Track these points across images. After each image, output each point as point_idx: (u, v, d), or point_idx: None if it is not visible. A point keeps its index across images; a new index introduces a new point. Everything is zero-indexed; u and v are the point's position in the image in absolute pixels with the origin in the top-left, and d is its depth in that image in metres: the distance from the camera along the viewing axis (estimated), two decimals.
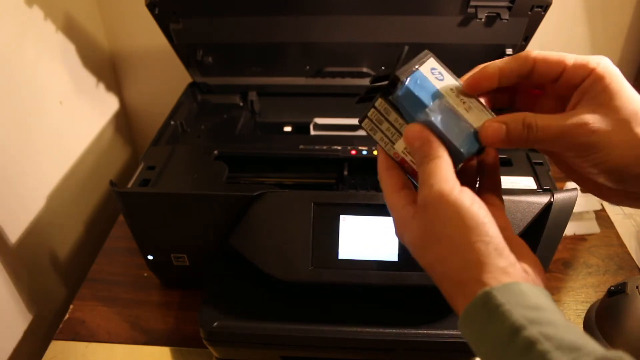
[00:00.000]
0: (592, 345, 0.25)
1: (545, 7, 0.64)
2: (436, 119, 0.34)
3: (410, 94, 0.34)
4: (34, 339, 0.70)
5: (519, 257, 0.31)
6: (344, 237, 0.53)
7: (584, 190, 0.37)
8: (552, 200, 0.52)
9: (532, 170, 0.59)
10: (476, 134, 0.34)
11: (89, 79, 0.88)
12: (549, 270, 0.68)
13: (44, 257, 0.74)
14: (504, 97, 0.37)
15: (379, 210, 0.53)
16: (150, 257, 0.62)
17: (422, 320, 0.52)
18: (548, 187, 0.56)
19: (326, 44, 0.73)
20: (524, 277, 0.30)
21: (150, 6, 0.65)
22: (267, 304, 0.55)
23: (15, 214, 0.67)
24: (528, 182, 0.57)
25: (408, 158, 0.36)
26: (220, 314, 0.53)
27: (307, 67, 0.77)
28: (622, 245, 0.73)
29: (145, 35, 0.92)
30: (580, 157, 0.32)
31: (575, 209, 0.55)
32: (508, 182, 0.57)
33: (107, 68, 0.95)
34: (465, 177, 0.36)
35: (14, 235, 0.67)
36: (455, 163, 0.33)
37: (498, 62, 0.35)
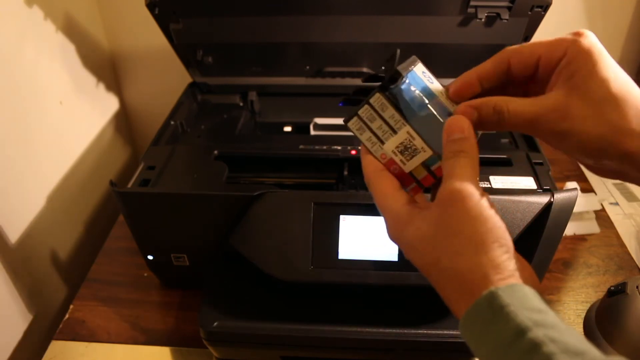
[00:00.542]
0: (593, 351, 0.25)
1: (545, 7, 0.64)
2: (437, 114, 0.34)
3: (411, 89, 0.35)
4: (34, 339, 0.70)
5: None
6: (344, 237, 0.53)
7: (592, 171, 0.36)
8: (552, 200, 0.52)
9: (532, 170, 0.59)
10: None
11: (89, 79, 0.88)
12: (549, 270, 0.68)
13: (44, 257, 0.74)
14: (498, 93, 0.37)
15: None
16: (150, 257, 0.62)
17: (422, 320, 0.52)
18: (548, 187, 0.56)
19: (326, 44, 0.73)
20: (526, 281, 0.30)
21: (150, 6, 0.65)
22: (267, 304, 0.55)
23: (15, 214, 0.67)
24: (528, 182, 0.57)
25: (397, 158, 0.36)
26: (220, 314, 0.53)
27: (307, 67, 0.77)
28: (622, 245, 0.73)
29: (145, 35, 0.92)
30: (555, 141, 0.32)
31: (575, 209, 0.55)
32: (508, 182, 0.57)
33: (107, 68, 0.95)
34: None
35: (14, 235, 0.67)
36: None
37: (477, 68, 0.35)
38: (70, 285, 0.79)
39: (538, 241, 0.53)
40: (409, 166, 0.36)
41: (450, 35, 0.69)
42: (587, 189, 0.84)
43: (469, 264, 0.29)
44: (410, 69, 0.35)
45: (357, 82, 0.77)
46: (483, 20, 0.66)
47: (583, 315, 0.63)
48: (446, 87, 0.36)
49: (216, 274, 0.59)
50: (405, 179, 0.36)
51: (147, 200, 0.56)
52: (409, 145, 0.35)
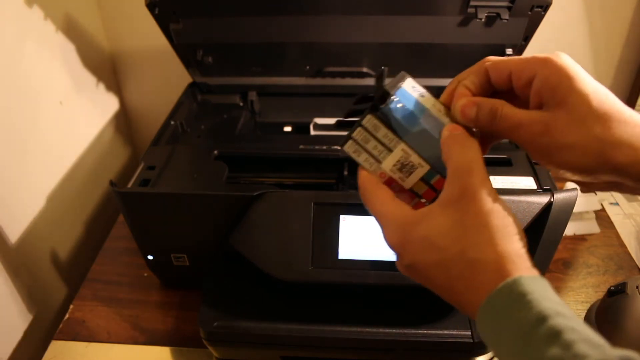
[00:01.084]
0: (608, 345, 0.26)
1: (545, 7, 0.64)
2: (430, 128, 0.34)
3: (401, 106, 0.35)
4: (34, 339, 0.70)
5: None
6: (344, 237, 0.53)
7: (584, 191, 0.37)
8: (552, 200, 0.52)
9: (532, 170, 0.59)
10: None
11: (89, 79, 0.88)
12: (549, 270, 0.68)
13: (44, 257, 0.74)
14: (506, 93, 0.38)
15: None
16: (150, 257, 0.62)
17: (422, 320, 0.52)
18: (548, 187, 0.56)
19: (326, 44, 0.73)
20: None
21: (150, 6, 0.65)
22: (267, 304, 0.55)
23: (15, 214, 0.67)
24: (528, 182, 0.57)
25: (397, 176, 0.36)
26: (220, 314, 0.53)
27: (307, 67, 0.77)
28: (622, 245, 0.73)
29: (145, 35, 0.92)
30: (542, 158, 0.33)
31: (575, 209, 0.55)
32: (508, 182, 0.57)
33: (107, 68, 0.95)
34: None
35: (14, 235, 0.67)
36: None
37: (464, 82, 0.35)
38: (70, 285, 0.79)
39: (538, 241, 0.53)
40: (409, 182, 0.36)
41: (450, 35, 0.69)
42: None
43: (498, 253, 0.30)
44: (399, 85, 0.35)
45: (357, 82, 0.77)
46: (483, 20, 0.66)
47: (583, 315, 0.63)
48: (439, 100, 0.36)
49: (216, 274, 0.59)
50: (406, 196, 0.36)
51: (147, 200, 0.56)
52: (405, 163, 0.35)
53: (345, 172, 0.62)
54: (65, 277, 0.78)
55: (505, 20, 0.65)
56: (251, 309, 0.54)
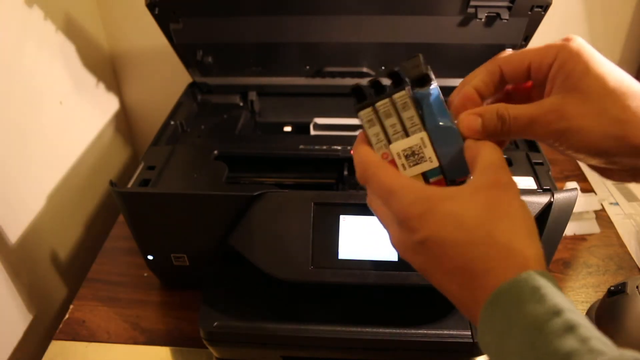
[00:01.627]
0: (613, 345, 0.26)
1: (545, 7, 0.64)
2: (456, 128, 0.34)
3: (437, 96, 0.34)
4: (34, 339, 0.70)
5: None
6: (344, 237, 0.53)
7: (605, 176, 0.36)
8: (552, 200, 0.52)
9: (532, 170, 0.59)
10: None
11: (89, 79, 0.88)
12: (549, 270, 0.68)
13: (44, 257, 0.74)
14: (501, 97, 0.37)
15: None
16: (150, 257, 0.62)
17: (422, 320, 0.52)
18: (548, 187, 0.56)
19: (326, 44, 0.73)
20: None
21: (150, 6, 0.65)
22: (267, 304, 0.55)
23: (15, 214, 0.67)
24: (528, 182, 0.57)
25: (400, 162, 0.35)
26: (220, 314, 0.53)
27: (307, 67, 0.77)
28: (622, 245, 0.73)
29: (145, 35, 0.92)
30: (557, 143, 0.32)
31: (575, 209, 0.55)
32: None
33: (107, 68, 0.95)
34: None
35: (14, 235, 0.67)
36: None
37: (472, 81, 0.35)
38: (70, 285, 0.79)
39: None
40: (409, 172, 0.35)
41: (450, 35, 0.69)
42: (587, 189, 0.84)
43: (525, 245, 0.30)
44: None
45: (357, 82, 0.77)
46: (483, 20, 0.66)
47: (583, 315, 0.63)
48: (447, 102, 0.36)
49: (216, 274, 0.59)
50: None
51: (147, 200, 0.56)
52: (417, 152, 0.34)
53: (345, 172, 0.62)
54: (65, 277, 0.78)
55: (505, 20, 0.65)
56: (251, 309, 0.54)
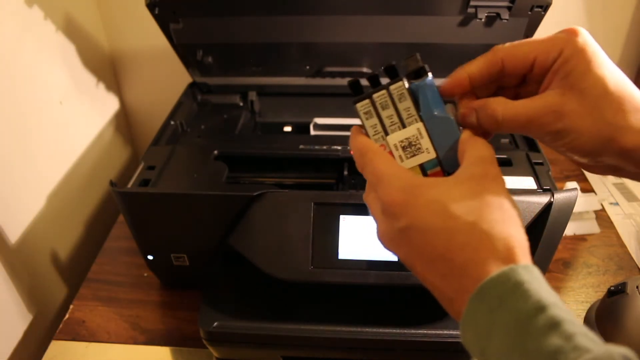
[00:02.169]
0: (601, 341, 0.25)
1: (545, 7, 0.64)
2: (453, 119, 0.34)
3: (433, 87, 0.34)
4: (34, 339, 0.70)
5: None
6: (344, 237, 0.53)
7: (585, 169, 0.36)
8: (552, 200, 0.52)
9: (532, 170, 0.59)
10: None
11: (89, 79, 0.88)
12: (549, 270, 0.68)
13: (44, 257, 0.74)
14: (491, 89, 0.37)
15: None
16: (150, 257, 0.62)
17: (422, 320, 0.52)
18: (548, 187, 0.56)
19: (326, 44, 0.73)
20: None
21: (151, 6, 0.65)
22: (267, 304, 0.55)
23: (15, 214, 0.67)
24: (528, 182, 0.57)
25: (397, 153, 0.35)
26: (220, 314, 0.53)
27: (307, 67, 0.77)
28: (622, 245, 0.73)
29: (145, 35, 0.92)
30: (552, 140, 0.33)
31: (575, 209, 0.55)
32: (508, 182, 0.57)
33: (107, 68, 0.95)
34: None
35: (14, 235, 0.67)
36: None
37: (468, 67, 0.35)
38: (70, 285, 0.79)
39: (538, 241, 0.53)
40: (406, 164, 0.35)
41: (450, 35, 0.69)
42: (587, 189, 0.84)
43: (509, 235, 0.29)
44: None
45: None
46: (483, 20, 0.66)
47: (583, 315, 0.63)
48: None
49: (216, 274, 0.59)
50: None
51: (147, 200, 0.56)
52: (414, 143, 0.35)
53: (345, 172, 0.62)
54: (65, 277, 0.78)
55: (505, 21, 0.65)
56: (251, 309, 0.54)
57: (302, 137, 0.72)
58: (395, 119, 0.35)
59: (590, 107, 0.31)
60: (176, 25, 0.69)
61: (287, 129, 0.78)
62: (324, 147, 0.64)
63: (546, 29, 0.70)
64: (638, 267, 0.70)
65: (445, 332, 0.51)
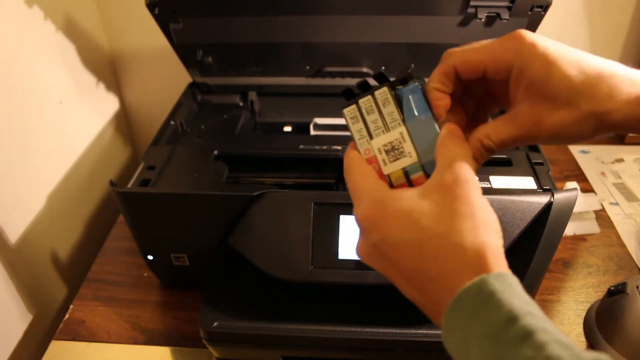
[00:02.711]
0: (577, 347, 0.25)
1: (545, 7, 0.64)
2: (435, 123, 0.34)
3: (417, 93, 0.35)
4: (34, 339, 0.70)
5: None
6: (344, 237, 0.53)
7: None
8: (552, 200, 0.52)
9: (532, 170, 0.59)
10: None
11: (89, 79, 0.88)
12: (549, 270, 0.68)
13: (44, 257, 0.74)
14: (479, 88, 0.37)
15: None
16: (150, 257, 0.62)
17: (422, 320, 0.52)
18: (548, 187, 0.56)
19: (326, 44, 0.73)
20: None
21: (151, 6, 0.65)
22: (267, 304, 0.55)
23: (15, 214, 0.67)
24: (528, 182, 0.57)
25: (381, 157, 0.35)
26: (220, 314, 0.53)
27: (307, 67, 0.77)
28: (622, 245, 0.73)
29: (145, 35, 0.92)
30: (547, 143, 0.35)
31: (575, 209, 0.55)
32: (508, 182, 0.57)
33: (107, 68, 0.95)
34: None
35: (14, 235, 0.67)
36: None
37: (434, 85, 0.34)
38: (70, 285, 0.79)
39: (538, 241, 0.53)
40: (389, 168, 0.35)
41: (450, 35, 0.69)
42: (587, 189, 0.84)
43: (480, 244, 0.29)
44: (419, 81, 0.36)
45: (351, 84, 0.77)
46: (483, 20, 0.66)
47: (583, 315, 0.63)
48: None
49: (216, 274, 0.59)
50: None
51: (147, 200, 0.56)
52: (397, 147, 0.35)
53: None
54: (65, 277, 0.78)
55: (505, 21, 0.65)
56: (251, 309, 0.54)
57: (302, 137, 0.72)
58: (380, 123, 0.35)
59: (566, 107, 0.31)
60: (176, 25, 0.69)
61: (287, 129, 0.78)
62: (324, 147, 0.64)
63: (546, 29, 0.70)
64: (638, 267, 0.70)
65: None
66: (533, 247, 0.53)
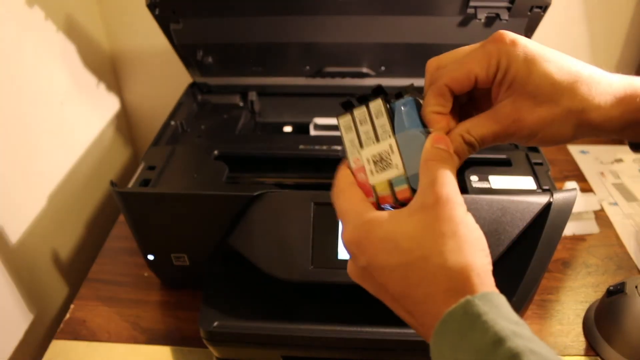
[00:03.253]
0: None
1: (545, 8, 0.64)
2: (425, 140, 0.34)
3: (409, 108, 0.35)
4: (35, 339, 0.70)
5: None
6: None
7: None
8: (551, 200, 0.52)
9: (531, 170, 0.59)
10: None
11: (90, 79, 0.88)
12: (548, 270, 0.68)
13: (44, 257, 0.74)
14: (463, 96, 0.37)
15: None
16: (150, 257, 0.62)
17: None
18: (547, 187, 0.56)
19: (326, 44, 0.73)
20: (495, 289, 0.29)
21: (151, 6, 0.65)
22: (267, 304, 0.55)
23: (16, 214, 0.67)
24: (527, 182, 0.57)
25: (369, 167, 0.36)
26: (220, 314, 0.53)
27: (307, 67, 0.77)
28: (621, 245, 0.74)
29: (146, 36, 0.92)
30: (529, 142, 0.34)
31: (575, 209, 0.55)
32: (508, 182, 0.57)
33: (108, 68, 0.95)
34: None
35: (15, 235, 0.67)
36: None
37: (432, 108, 0.34)
38: (70, 285, 0.79)
39: (537, 241, 0.54)
40: (376, 179, 0.36)
41: (450, 35, 0.69)
42: (586, 189, 0.84)
43: (464, 264, 0.28)
44: (414, 96, 0.36)
45: (357, 82, 0.77)
46: (482, 20, 0.66)
47: (582, 315, 0.63)
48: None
49: (216, 274, 0.59)
50: (366, 191, 0.36)
51: (147, 200, 0.56)
52: (384, 158, 0.35)
53: None
54: (65, 277, 0.78)
55: (505, 21, 0.65)
56: (251, 309, 0.54)
57: (302, 137, 0.72)
58: (371, 134, 0.36)
59: (545, 104, 0.31)
60: (176, 26, 0.70)
61: (287, 129, 0.78)
62: (324, 147, 0.64)
63: (546, 29, 0.70)
64: (637, 267, 0.70)
65: None
66: (532, 247, 0.53)
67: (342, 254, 0.53)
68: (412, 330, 0.51)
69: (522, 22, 0.67)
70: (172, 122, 0.72)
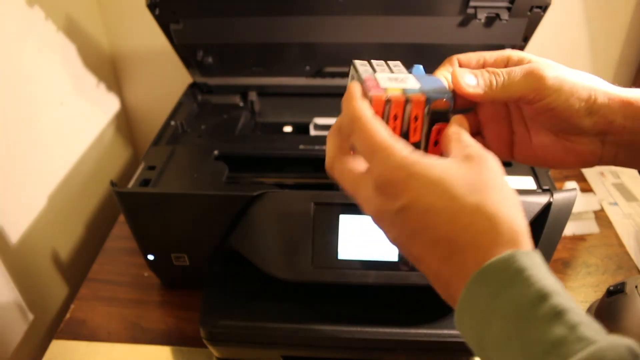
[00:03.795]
0: (605, 331, 0.24)
1: (545, 8, 0.64)
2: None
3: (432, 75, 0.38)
4: (35, 339, 0.70)
5: None
6: (344, 237, 0.53)
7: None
8: (551, 200, 0.52)
9: (531, 170, 0.59)
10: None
11: (90, 79, 0.88)
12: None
13: (44, 257, 0.74)
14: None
15: None
16: (150, 257, 0.62)
17: (422, 320, 0.52)
18: (547, 187, 0.56)
19: (326, 44, 0.73)
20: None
21: (151, 6, 0.65)
22: (267, 304, 0.55)
23: (16, 214, 0.67)
24: (527, 182, 0.57)
25: (382, 81, 0.35)
26: (220, 314, 0.54)
27: (307, 67, 0.77)
28: (621, 245, 0.74)
29: (146, 36, 0.92)
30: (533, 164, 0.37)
31: (575, 209, 0.55)
32: (508, 182, 0.57)
33: (108, 68, 0.95)
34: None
35: (15, 235, 0.67)
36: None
37: (452, 129, 0.35)
38: (70, 285, 0.79)
39: (537, 241, 0.54)
40: (388, 85, 0.34)
41: (450, 35, 0.69)
42: (586, 189, 0.84)
43: (513, 217, 0.28)
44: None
45: None
46: (482, 20, 0.66)
47: None
48: None
49: (216, 274, 0.59)
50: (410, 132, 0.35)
51: (147, 200, 0.56)
52: (401, 79, 0.35)
53: None
54: (65, 277, 0.78)
55: (505, 21, 0.65)
56: (251, 309, 0.54)
57: (302, 137, 0.72)
58: (387, 72, 0.37)
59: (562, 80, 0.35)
60: (176, 26, 0.70)
61: (287, 129, 0.78)
62: (324, 147, 0.63)
63: (546, 29, 0.70)
64: (637, 267, 0.70)
65: (445, 332, 0.52)
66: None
67: (342, 253, 0.53)
68: (412, 331, 0.52)
69: (522, 22, 0.67)
70: (172, 122, 0.72)
